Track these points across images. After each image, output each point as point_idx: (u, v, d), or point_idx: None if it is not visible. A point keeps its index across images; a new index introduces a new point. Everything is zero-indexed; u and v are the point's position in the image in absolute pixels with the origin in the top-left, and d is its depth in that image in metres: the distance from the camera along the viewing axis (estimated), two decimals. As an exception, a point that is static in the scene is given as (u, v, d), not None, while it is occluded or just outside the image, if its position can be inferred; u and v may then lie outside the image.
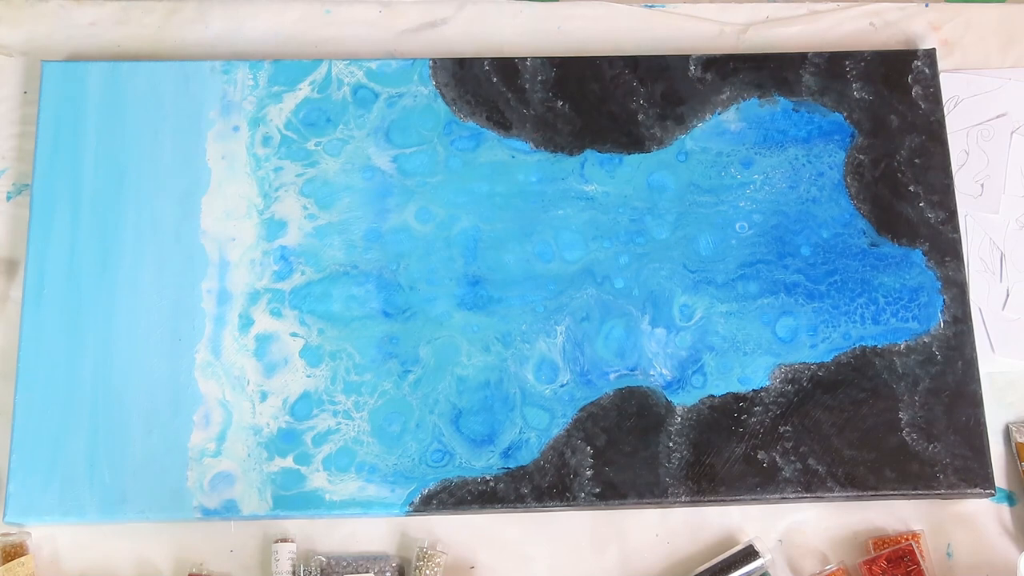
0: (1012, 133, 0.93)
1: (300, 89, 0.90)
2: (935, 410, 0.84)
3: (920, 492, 0.83)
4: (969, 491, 0.83)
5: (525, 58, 0.91)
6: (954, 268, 0.87)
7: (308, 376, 0.84)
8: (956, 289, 0.87)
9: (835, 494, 0.82)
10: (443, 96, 0.90)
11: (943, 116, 0.91)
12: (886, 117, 0.90)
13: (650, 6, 0.96)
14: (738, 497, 0.82)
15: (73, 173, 0.87)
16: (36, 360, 0.83)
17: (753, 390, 0.84)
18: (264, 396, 0.83)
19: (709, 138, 0.90)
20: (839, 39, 0.95)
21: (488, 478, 0.82)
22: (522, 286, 0.86)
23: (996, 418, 0.86)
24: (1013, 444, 0.85)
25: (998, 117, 0.93)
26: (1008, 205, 0.91)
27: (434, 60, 0.91)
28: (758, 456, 0.83)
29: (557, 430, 0.83)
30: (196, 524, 0.82)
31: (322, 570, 0.81)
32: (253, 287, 0.86)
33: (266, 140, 0.89)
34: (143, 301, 0.85)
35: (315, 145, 0.89)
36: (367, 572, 0.80)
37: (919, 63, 0.92)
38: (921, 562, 0.80)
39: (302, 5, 0.95)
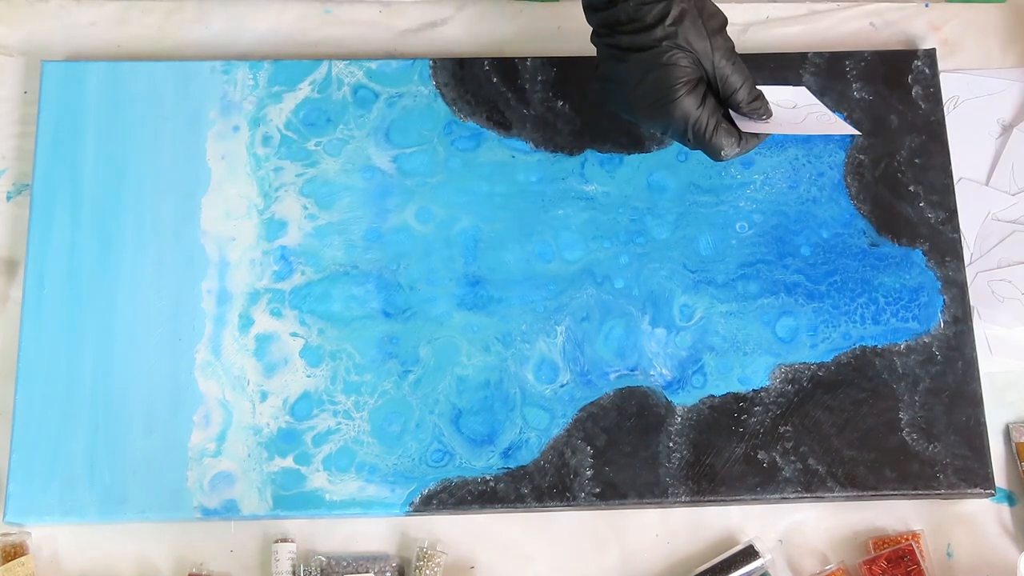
0: (1014, 128, 0.93)
1: (300, 89, 0.90)
2: (935, 410, 0.84)
3: (920, 492, 0.83)
4: (969, 491, 0.83)
5: (525, 58, 0.92)
6: (954, 268, 0.87)
7: (308, 376, 0.84)
8: (956, 289, 0.87)
9: (835, 494, 0.82)
10: (443, 96, 0.90)
11: (943, 116, 0.91)
12: (886, 117, 0.90)
13: (650, 6, 0.96)
14: (738, 497, 0.82)
15: (73, 173, 0.88)
16: (36, 360, 0.83)
17: (753, 390, 0.84)
18: (264, 396, 0.83)
19: (709, 138, 0.90)
20: (839, 39, 0.95)
21: (488, 478, 0.82)
22: (522, 286, 0.86)
23: (996, 418, 0.86)
24: (1013, 444, 0.85)
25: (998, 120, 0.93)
26: (993, 200, 0.91)
27: (434, 60, 0.91)
28: (758, 456, 0.83)
29: (557, 430, 0.83)
30: (196, 524, 0.82)
31: (322, 570, 0.81)
32: (253, 287, 0.86)
33: (266, 140, 0.89)
34: (143, 301, 0.85)
35: (315, 145, 0.89)
36: (367, 572, 0.80)
37: (919, 63, 0.92)
38: (921, 562, 0.80)
39: (302, 5, 0.95)
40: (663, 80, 0.76)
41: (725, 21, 0.78)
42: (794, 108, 0.80)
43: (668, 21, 0.75)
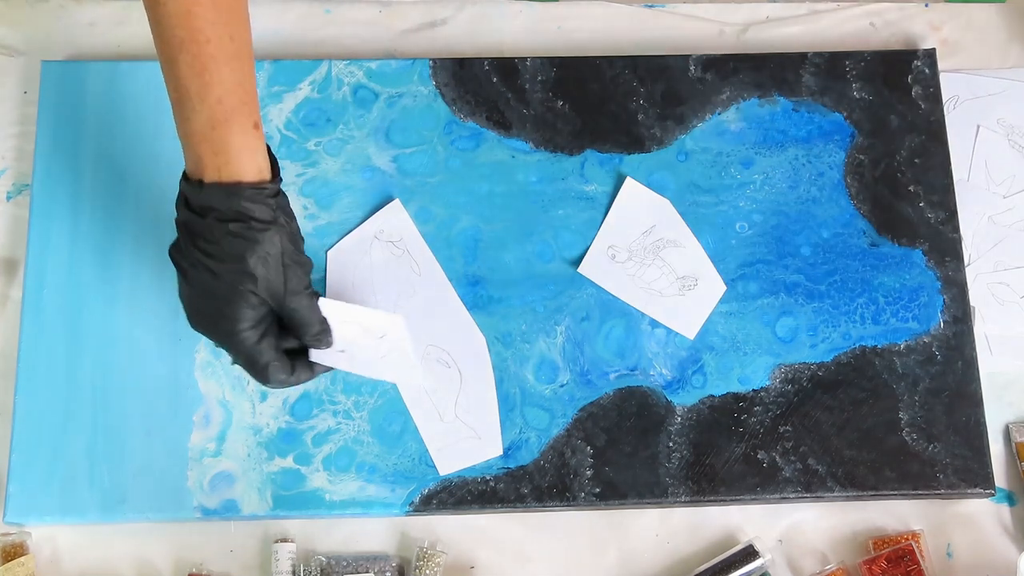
0: (978, 127, 0.93)
1: (300, 89, 0.90)
2: (935, 410, 0.84)
3: (920, 492, 0.83)
4: (969, 491, 0.83)
5: (525, 58, 0.91)
6: (954, 268, 0.87)
7: (308, 376, 0.84)
8: (956, 289, 0.87)
9: (835, 494, 0.82)
10: (443, 96, 0.90)
11: (943, 116, 0.91)
12: (886, 117, 0.90)
13: (650, 6, 0.96)
14: (738, 497, 0.82)
15: (73, 173, 0.87)
16: (36, 360, 0.83)
17: (753, 390, 0.84)
18: (264, 396, 0.83)
19: (709, 138, 0.90)
20: (839, 39, 0.96)
21: (488, 478, 0.82)
22: (522, 286, 0.86)
23: (996, 418, 0.86)
24: (1013, 444, 0.85)
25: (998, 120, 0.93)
26: (980, 199, 0.91)
27: (434, 60, 0.91)
28: (758, 456, 0.83)
29: (557, 430, 0.83)
30: (196, 524, 0.82)
31: (322, 570, 0.81)
32: (253, 287, 0.86)
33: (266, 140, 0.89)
34: (143, 301, 0.85)
35: (315, 145, 0.89)
36: (367, 572, 0.80)
37: (919, 63, 0.92)
38: (921, 562, 0.80)
39: (302, 5, 0.95)
40: (229, 310, 0.70)
41: (310, 266, 0.73)
42: (381, 338, 0.77)
43: (249, 266, 0.69)
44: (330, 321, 0.74)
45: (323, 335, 0.74)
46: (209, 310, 0.71)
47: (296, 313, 0.72)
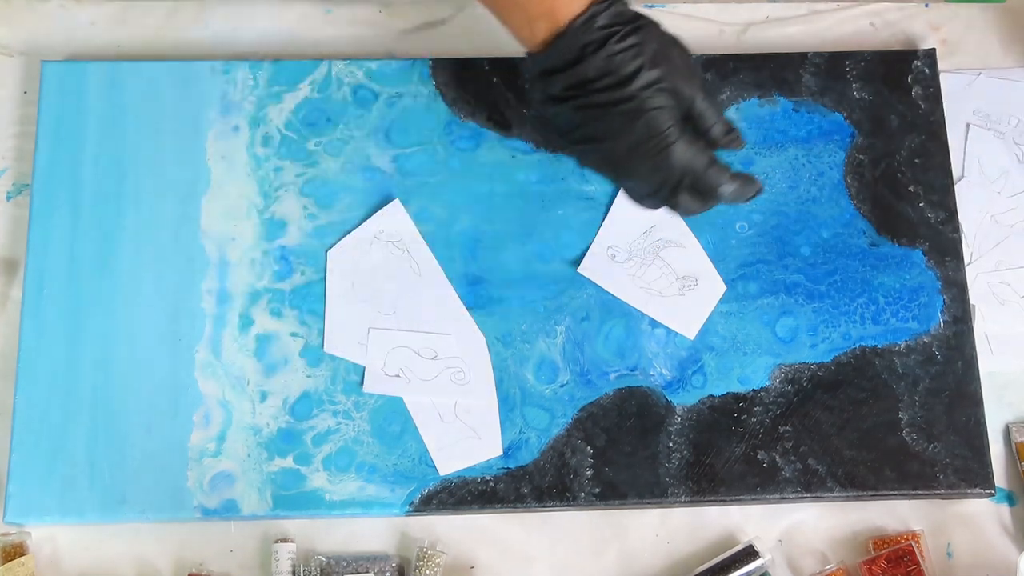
0: (969, 125, 0.93)
1: (300, 89, 0.90)
2: (935, 410, 0.84)
3: (920, 492, 0.83)
4: (969, 491, 0.83)
5: (525, 58, 0.91)
6: (954, 268, 0.87)
7: (308, 376, 0.84)
8: (956, 289, 0.87)
9: (835, 494, 0.82)
10: (443, 96, 0.90)
11: (943, 116, 0.91)
12: (886, 117, 0.90)
13: (650, 6, 0.96)
14: (738, 497, 0.82)
15: (73, 173, 0.87)
16: (36, 360, 0.83)
17: (753, 390, 0.84)
18: (264, 396, 0.83)
19: (709, 138, 0.90)
20: (839, 39, 0.96)
21: (488, 478, 0.82)
22: (522, 286, 0.86)
23: (996, 418, 0.86)
24: (1013, 444, 0.85)
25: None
26: (982, 198, 0.91)
27: (434, 60, 0.91)
28: (758, 456, 0.83)
29: (557, 430, 0.83)
30: (196, 524, 0.82)
31: (322, 570, 0.81)
32: (253, 287, 0.86)
33: (266, 140, 0.89)
34: (143, 301, 0.85)
35: (315, 145, 0.89)
36: (367, 572, 0.80)
37: (919, 63, 0.92)
38: (921, 562, 0.80)
39: (302, 5, 0.95)
40: (653, 127, 0.72)
41: (692, 54, 0.75)
42: (434, 359, 0.83)
43: (647, 67, 0.71)
44: (381, 349, 0.77)
45: (735, 133, 0.75)
46: (633, 145, 0.72)
47: (704, 104, 0.73)
